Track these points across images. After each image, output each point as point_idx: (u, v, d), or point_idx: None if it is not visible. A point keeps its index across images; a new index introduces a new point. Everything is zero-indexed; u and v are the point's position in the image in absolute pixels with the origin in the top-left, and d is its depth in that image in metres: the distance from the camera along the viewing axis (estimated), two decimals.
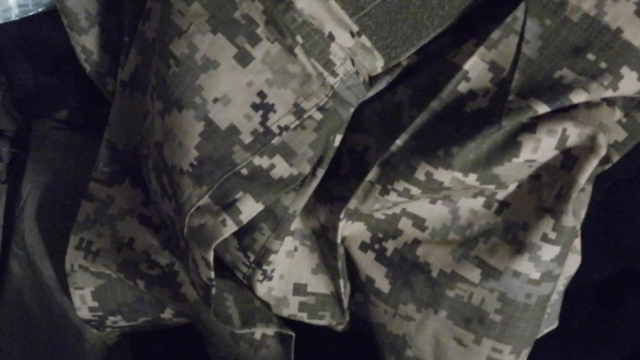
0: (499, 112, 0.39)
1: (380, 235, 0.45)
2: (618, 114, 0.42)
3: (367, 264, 0.45)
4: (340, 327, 0.49)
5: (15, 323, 0.57)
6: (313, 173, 0.43)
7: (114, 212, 0.49)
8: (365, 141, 0.44)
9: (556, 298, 0.47)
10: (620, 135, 0.44)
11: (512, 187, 0.42)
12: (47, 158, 0.54)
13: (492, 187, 0.42)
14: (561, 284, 0.46)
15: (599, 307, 0.49)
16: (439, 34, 0.42)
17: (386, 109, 0.43)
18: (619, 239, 0.48)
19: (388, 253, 0.44)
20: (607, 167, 0.44)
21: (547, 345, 0.47)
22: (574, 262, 0.46)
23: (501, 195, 0.43)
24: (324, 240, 0.46)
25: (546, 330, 0.47)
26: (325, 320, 0.48)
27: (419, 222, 0.44)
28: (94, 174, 0.50)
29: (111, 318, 0.51)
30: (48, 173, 0.54)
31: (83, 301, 0.51)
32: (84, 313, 0.51)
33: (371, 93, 0.44)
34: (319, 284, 0.47)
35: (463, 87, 0.41)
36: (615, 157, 0.44)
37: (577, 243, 0.46)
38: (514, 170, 0.41)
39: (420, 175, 0.41)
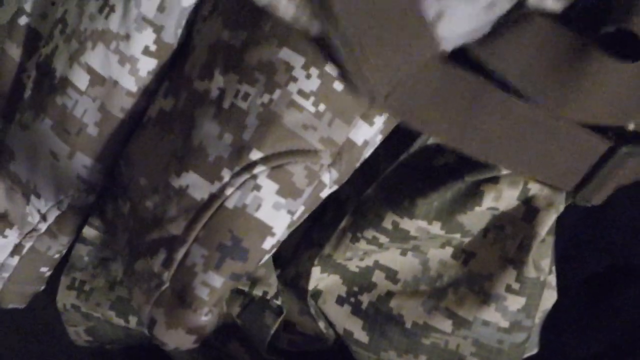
0: (464, 167, 0.40)
1: (356, 288, 0.46)
2: None
3: (344, 317, 0.46)
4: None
5: (12, 323, 0.58)
6: None
7: (108, 254, 0.50)
8: (347, 191, 0.45)
9: (534, 327, 0.48)
10: None
11: (477, 236, 0.43)
12: None
13: (457, 235, 0.43)
14: (537, 317, 0.47)
15: (591, 301, 0.50)
16: None
17: (366, 162, 0.44)
18: (610, 234, 0.49)
19: (363, 306, 0.45)
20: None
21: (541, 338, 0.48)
22: (550, 297, 0.47)
23: (467, 245, 0.44)
24: (294, 290, 0.46)
25: (525, 356, 0.48)
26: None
27: (391, 275, 0.45)
28: (90, 220, 0.49)
29: (108, 346, 0.53)
30: None
31: (78, 335, 0.53)
32: (80, 343, 0.53)
33: None
34: (305, 325, 0.48)
35: (432, 141, 0.42)
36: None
37: (552, 279, 0.47)
38: (477, 219, 0.42)
39: (387, 224, 0.42)
